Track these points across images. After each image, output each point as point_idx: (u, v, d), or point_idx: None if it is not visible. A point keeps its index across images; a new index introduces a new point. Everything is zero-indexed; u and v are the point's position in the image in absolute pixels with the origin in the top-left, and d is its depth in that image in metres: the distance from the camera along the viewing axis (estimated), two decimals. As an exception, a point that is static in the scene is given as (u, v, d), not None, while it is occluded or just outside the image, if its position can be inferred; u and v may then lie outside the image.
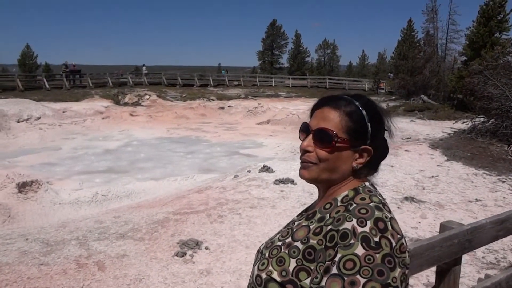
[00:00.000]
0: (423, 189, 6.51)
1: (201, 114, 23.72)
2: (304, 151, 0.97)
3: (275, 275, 0.89)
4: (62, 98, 22.45)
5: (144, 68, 32.25)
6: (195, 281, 3.51)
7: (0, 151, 13.69)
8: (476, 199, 6.03)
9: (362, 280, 0.78)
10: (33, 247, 4.10)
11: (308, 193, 6.04)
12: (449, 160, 8.55)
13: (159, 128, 19.51)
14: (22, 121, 17.06)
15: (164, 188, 8.89)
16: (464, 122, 12.44)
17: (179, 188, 8.43)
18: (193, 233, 4.55)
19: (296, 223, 1.01)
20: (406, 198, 5.91)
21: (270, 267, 0.91)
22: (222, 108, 24.88)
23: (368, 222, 0.83)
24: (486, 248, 4.07)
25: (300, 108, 20.69)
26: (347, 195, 0.94)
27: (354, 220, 0.84)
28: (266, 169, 7.77)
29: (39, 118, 17.74)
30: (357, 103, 0.95)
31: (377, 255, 0.80)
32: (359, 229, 0.82)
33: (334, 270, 0.81)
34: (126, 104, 23.88)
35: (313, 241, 0.89)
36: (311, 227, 0.93)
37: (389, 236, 0.82)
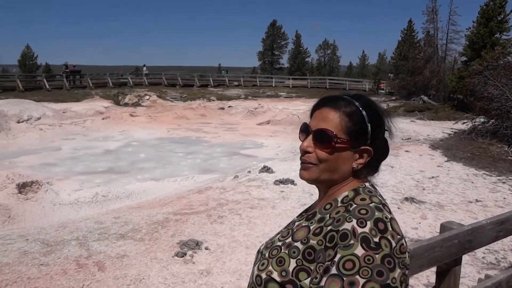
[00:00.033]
0: (423, 189, 6.51)
1: (201, 114, 23.72)
2: (304, 152, 0.97)
3: (275, 275, 0.89)
4: (62, 98, 22.46)
5: (144, 68, 32.27)
6: (195, 281, 3.51)
7: (0, 151, 13.70)
8: (476, 199, 6.03)
9: (362, 281, 0.78)
10: (33, 247, 4.11)
11: (308, 194, 6.04)
12: (449, 161, 8.55)
13: (159, 128, 19.51)
14: (22, 122, 17.07)
15: (164, 188, 8.89)
16: (464, 123, 12.44)
17: (179, 189, 8.43)
18: (193, 233, 4.55)
19: (296, 223, 1.01)
20: (406, 199, 5.91)
21: (270, 267, 0.91)
22: (222, 108, 24.89)
23: (368, 222, 0.83)
24: (486, 249, 4.07)
25: (300, 108, 20.69)
26: (347, 196, 0.94)
27: (354, 221, 0.84)
28: (266, 169, 7.77)
29: (39, 118, 17.75)
30: (357, 104, 0.95)
31: (377, 256, 0.80)
32: (359, 230, 0.82)
33: (333, 270, 0.81)
34: (126, 104, 23.88)
35: (313, 242, 0.89)
36: (311, 227, 0.93)
37: (389, 237, 0.82)
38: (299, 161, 0.99)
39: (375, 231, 0.82)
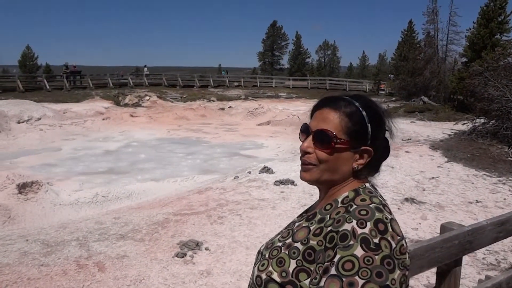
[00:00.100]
0: (424, 190, 6.50)
1: (201, 115, 23.72)
2: (304, 153, 0.97)
3: (275, 275, 0.89)
4: (63, 99, 22.47)
5: (145, 69, 32.30)
6: (195, 281, 3.51)
7: (0, 152, 13.70)
8: (477, 200, 6.02)
9: (361, 281, 0.78)
10: (33, 248, 4.11)
11: (308, 194, 6.04)
12: (450, 162, 8.55)
13: (159, 129, 19.51)
14: (22, 122, 17.07)
15: (164, 189, 8.89)
16: (464, 124, 12.44)
17: (179, 189, 8.43)
18: (193, 234, 4.55)
19: (297, 224, 1.01)
20: (406, 199, 5.91)
21: (270, 268, 0.91)
22: (223, 109, 24.89)
23: (368, 223, 0.83)
24: (486, 249, 4.07)
25: (300, 109, 20.69)
26: (347, 196, 0.94)
27: (354, 222, 0.84)
28: (266, 170, 7.77)
29: (39, 119, 17.75)
30: (357, 104, 0.95)
31: (377, 257, 0.79)
32: (359, 231, 0.82)
33: (333, 271, 0.81)
34: (126, 105, 23.89)
35: (313, 242, 0.89)
36: (311, 228, 0.93)
37: (389, 238, 0.82)
38: (299, 162, 0.99)
39: (375, 232, 0.82)
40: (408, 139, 11.69)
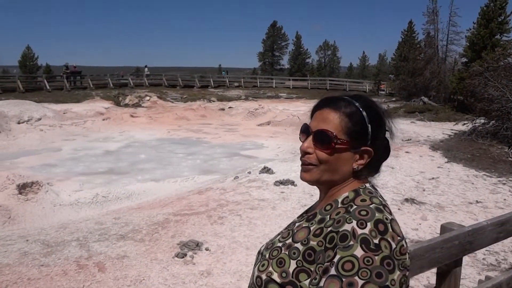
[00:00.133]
0: (424, 190, 6.50)
1: (201, 115, 23.73)
2: (304, 153, 0.97)
3: (275, 276, 0.89)
4: (63, 99, 22.47)
5: (146, 69, 32.33)
6: (196, 282, 3.51)
7: (0, 152, 13.70)
8: (477, 200, 6.02)
9: (360, 282, 0.78)
10: (34, 248, 4.11)
11: (308, 195, 6.04)
12: (450, 162, 8.55)
13: (160, 129, 19.51)
14: (22, 123, 17.08)
15: (164, 189, 8.89)
16: (464, 124, 12.44)
17: (179, 189, 8.43)
18: (194, 234, 4.55)
19: (297, 224, 1.01)
20: (406, 200, 5.91)
21: (270, 268, 0.91)
22: (223, 109, 24.89)
23: (368, 224, 0.83)
24: (486, 250, 4.07)
25: (300, 109, 20.69)
26: (347, 197, 0.93)
27: (354, 222, 0.84)
28: (266, 170, 7.78)
29: (39, 119, 17.76)
30: (357, 104, 0.95)
31: (376, 257, 0.79)
32: (359, 231, 0.82)
33: (332, 271, 0.81)
34: (126, 105, 23.90)
35: (313, 243, 0.89)
36: (312, 228, 0.93)
37: (389, 238, 0.82)
38: (300, 162, 0.99)
39: (375, 232, 0.82)
40: (408, 140, 11.69)
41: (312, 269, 0.87)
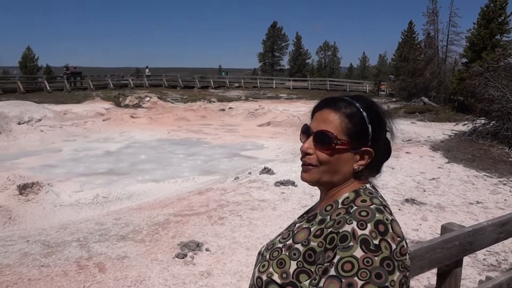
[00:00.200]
0: (424, 191, 6.50)
1: (201, 116, 23.73)
2: (304, 153, 0.97)
3: (275, 277, 0.89)
4: (63, 100, 22.48)
5: (147, 70, 32.35)
6: (196, 282, 3.51)
7: (1, 153, 13.71)
8: (477, 201, 6.02)
9: (360, 283, 0.78)
10: (34, 248, 4.11)
11: (309, 195, 6.04)
12: (450, 162, 8.55)
13: (160, 130, 19.52)
14: (23, 123, 17.09)
15: (164, 190, 8.89)
16: (465, 124, 12.43)
17: (179, 190, 8.43)
18: (194, 234, 4.55)
19: (297, 225, 1.01)
20: (407, 200, 5.91)
21: (271, 269, 0.91)
22: (223, 110, 24.90)
23: (369, 224, 0.83)
24: (487, 250, 4.07)
25: (301, 110, 20.68)
26: (348, 197, 0.93)
27: (355, 223, 0.84)
28: (266, 171, 7.78)
29: (40, 120, 17.77)
30: (357, 105, 0.95)
31: (376, 258, 0.79)
32: (359, 232, 0.82)
33: (332, 272, 0.81)
34: (127, 106, 23.91)
35: (313, 243, 0.89)
36: (312, 229, 0.93)
37: (389, 239, 0.82)
38: (300, 163, 0.99)
39: (375, 233, 0.82)
40: (409, 140, 11.69)
41: (313, 270, 0.87)
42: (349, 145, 0.93)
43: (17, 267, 3.62)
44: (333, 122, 0.94)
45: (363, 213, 0.85)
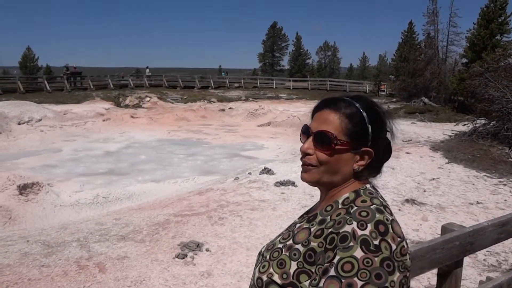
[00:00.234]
0: (424, 191, 6.50)
1: (201, 116, 23.74)
2: (304, 154, 0.97)
3: (276, 277, 0.89)
4: (63, 100, 22.50)
5: (147, 70, 32.37)
6: (196, 283, 3.51)
7: (1, 153, 13.71)
8: (477, 201, 6.02)
9: (360, 283, 0.78)
10: (34, 248, 4.11)
11: (309, 195, 6.04)
12: (450, 163, 8.55)
13: (160, 130, 19.52)
14: (23, 123, 17.09)
15: (164, 190, 8.89)
16: (465, 125, 12.43)
17: (179, 190, 8.43)
18: (194, 235, 4.55)
19: (297, 225, 1.01)
20: (407, 201, 5.91)
21: (271, 270, 0.91)
22: (223, 110, 24.90)
23: (369, 225, 0.83)
24: (487, 251, 4.07)
25: (301, 110, 20.69)
26: (348, 198, 0.93)
27: (355, 223, 0.84)
28: (267, 171, 7.78)
29: (40, 120, 17.78)
30: (357, 105, 0.95)
31: (376, 259, 0.79)
32: (359, 232, 0.82)
33: (332, 272, 0.81)
34: (127, 106, 23.92)
35: (313, 244, 0.89)
36: (312, 229, 0.93)
37: (389, 240, 0.82)
38: (300, 163, 0.99)
39: (376, 233, 0.82)
40: (409, 140, 11.69)
41: (313, 270, 0.87)
42: (349, 145, 0.93)
43: (17, 267, 3.62)
44: (333, 122, 0.94)
45: (363, 214, 0.85)
